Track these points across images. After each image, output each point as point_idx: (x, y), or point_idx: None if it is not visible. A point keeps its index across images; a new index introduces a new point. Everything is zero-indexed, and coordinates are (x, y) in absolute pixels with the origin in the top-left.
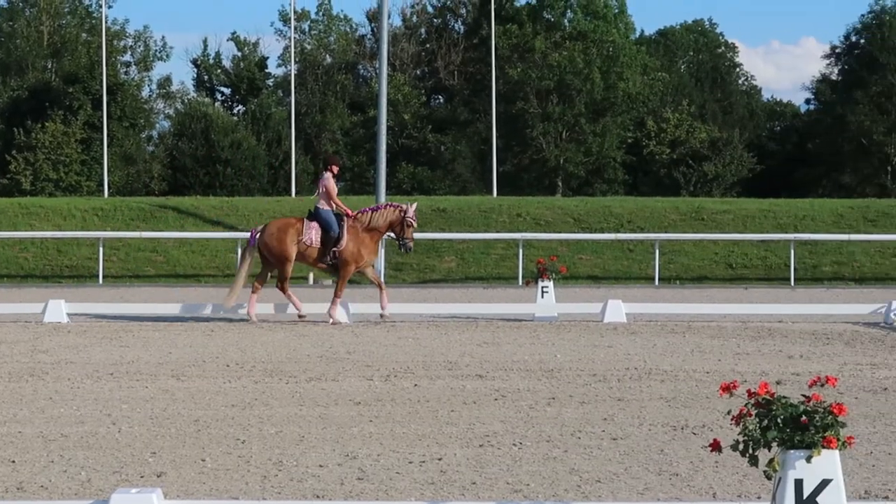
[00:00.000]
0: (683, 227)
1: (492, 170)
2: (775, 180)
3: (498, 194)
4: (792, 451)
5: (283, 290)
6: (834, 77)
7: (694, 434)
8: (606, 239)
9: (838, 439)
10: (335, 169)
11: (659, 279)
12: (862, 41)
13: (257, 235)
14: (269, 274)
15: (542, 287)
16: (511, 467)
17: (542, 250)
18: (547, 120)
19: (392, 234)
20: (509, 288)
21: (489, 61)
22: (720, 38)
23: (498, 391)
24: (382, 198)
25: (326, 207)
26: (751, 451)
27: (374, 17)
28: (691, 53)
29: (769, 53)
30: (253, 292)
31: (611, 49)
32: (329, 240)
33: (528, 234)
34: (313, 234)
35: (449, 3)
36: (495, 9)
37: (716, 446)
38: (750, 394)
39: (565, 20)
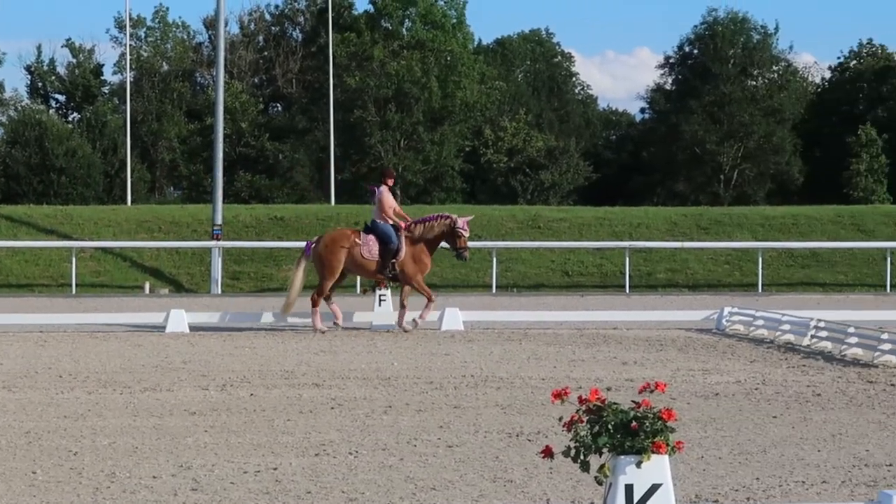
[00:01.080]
0: (520, 234)
1: (330, 178)
2: (611, 189)
3: (336, 202)
4: (622, 457)
5: (324, 298)
6: (668, 87)
7: (529, 441)
8: (444, 247)
9: (667, 444)
10: (390, 182)
11: (496, 287)
12: (695, 51)
13: (312, 246)
14: (338, 284)
15: (380, 295)
16: (347, 476)
17: None
18: (385, 128)
19: (447, 245)
20: (347, 296)
21: (327, 69)
22: (557, 47)
23: (334, 400)
24: (219, 205)
25: (384, 220)
26: (582, 456)
27: (211, 24)
28: (528, 63)
29: (605, 63)
30: (314, 305)
31: (449, 58)
32: (388, 252)
33: None
34: (371, 246)
35: (287, 10)
36: (333, 17)
37: (548, 453)
38: (581, 400)
39: (403, 29)
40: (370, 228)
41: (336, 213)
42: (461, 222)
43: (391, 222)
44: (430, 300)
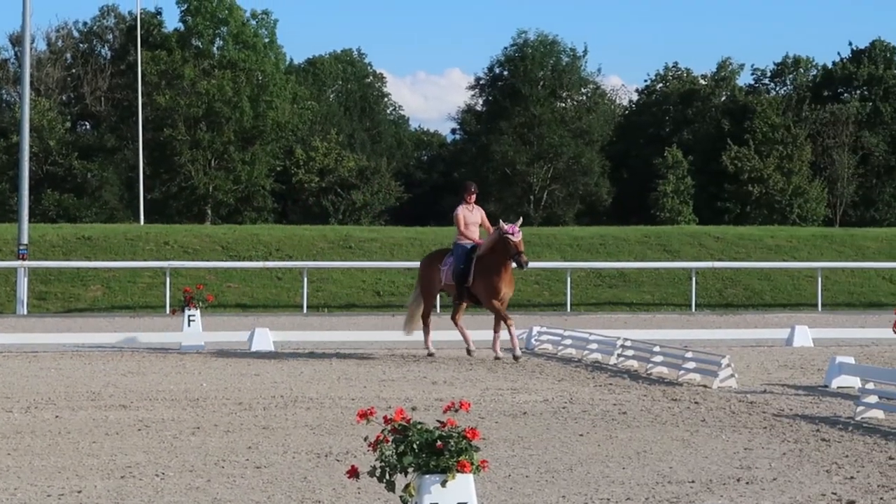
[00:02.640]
0: (332, 254)
1: (139, 197)
2: (422, 208)
3: (146, 222)
4: (427, 476)
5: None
6: (479, 108)
7: (338, 461)
8: (255, 267)
9: (472, 463)
10: (468, 197)
11: (307, 307)
12: (505, 73)
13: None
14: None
15: (189, 316)
16: (153, 498)
17: (190, 278)
18: (196, 147)
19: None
20: (156, 317)
21: (136, 88)
22: (368, 67)
23: (142, 421)
24: (25, 224)
25: (461, 241)
26: (388, 476)
27: (17, 40)
28: (340, 83)
29: (416, 84)
30: (423, 326)
31: (260, 78)
32: (460, 275)
33: (176, 262)
34: (448, 269)
35: (95, 28)
36: (142, 35)
37: (353, 473)
38: (386, 420)
39: (214, 48)
40: (452, 250)
41: (145, 233)
42: (508, 227)
43: (469, 243)
44: (506, 322)
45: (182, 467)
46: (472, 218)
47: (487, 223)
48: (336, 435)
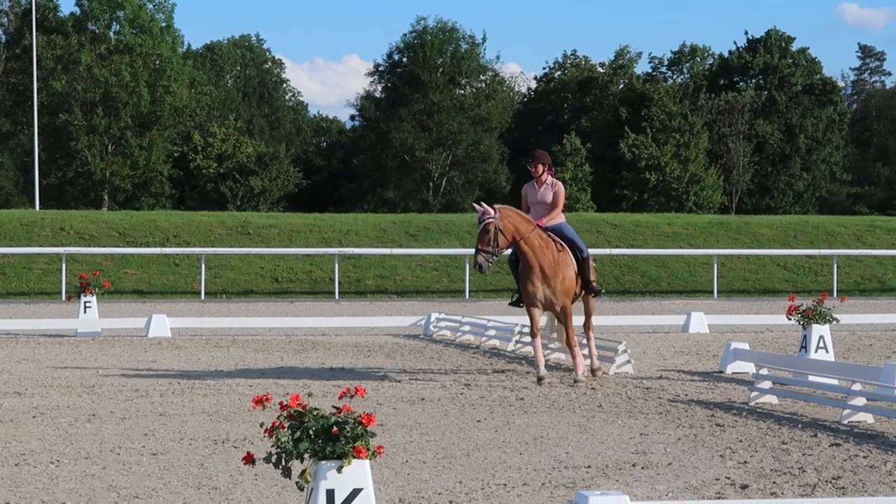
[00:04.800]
0: (230, 241)
1: (34, 182)
2: (321, 195)
3: (41, 207)
4: (323, 462)
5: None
6: (378, 94)
7: (235, 448)
8: (152, 253)
9: (368, 449)
10: (533, 170)
11: (205, 293)
12: (404, 60)
13: None
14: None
15: (85, 302)
16: (48, 485)
17: (87, 265)
18: (92, 133)
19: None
20: (52, 303)
21: (31, 72)
22: (267, 53)
23: (37, 408)
24: None
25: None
26: (284, 462)
27: None
28: (238, 68)
29: (314, 70)
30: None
31: (157, 62)
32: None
33: (72, 248)
34: None
35: None
36: (38, 19)
37: (249, 459)
38: (282, 406)
39: (111, 33)
40: None
41: (41, 218)
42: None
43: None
44: (566, 340)
45: (77, 454)
46: (535, 196)
47: (559, 199)
48: (233, 421)
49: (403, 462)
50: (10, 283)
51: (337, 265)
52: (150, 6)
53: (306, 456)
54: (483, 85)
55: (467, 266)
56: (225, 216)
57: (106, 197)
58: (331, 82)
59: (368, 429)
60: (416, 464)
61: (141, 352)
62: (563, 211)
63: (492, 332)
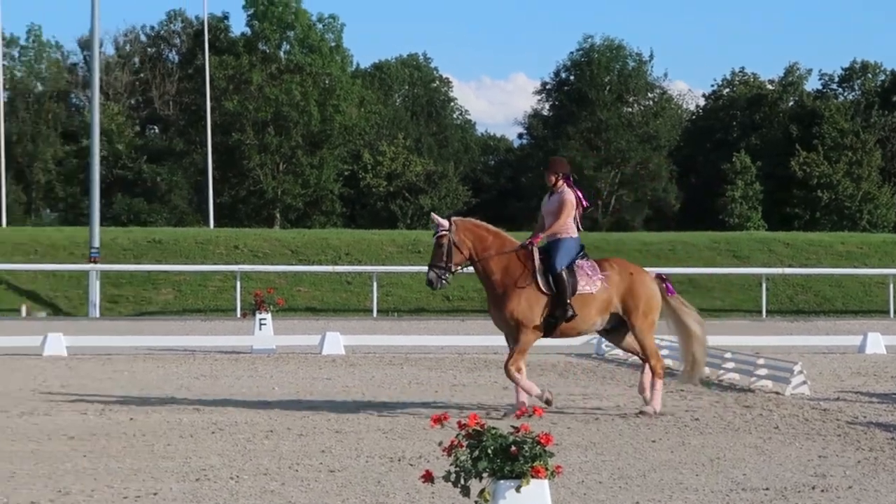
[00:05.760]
0: (401, 259)
1: (209, 201)
2: (490, 213)
3: (215, 226)
4: (502, 482)
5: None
6: (545, 112)
7: (411, 465)
8: (324, 271)
9: (547, 469)
10: (549, 178)
11: (377, 311)
12: (572, 78)
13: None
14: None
15: (260, 319)
16: (228, 501)
17: (260, 282)
18: (264, 151)
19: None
20: (227, 320)
21: (205, 92)
22: (434, 72)
23: (215, 424)
24: (97, 228)
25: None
26: (462, 481)
27: (86, 44)
28: (407, 87)
29: (481, 88)
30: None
31: (327, 82)
32: None
33: (246, 265)
34: None
35: (162, 32)
36: (210, 39)
37: (428, 477)
38: (461, 425)
39: (281, 53)
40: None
41: (215, 237)
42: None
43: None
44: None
45: (256, 470)
46: (547, 207)
47: (563, 211)
48: (408, 439)
49: (579, 482)
50: (186, 300)
51: None
52: (320, 26)
53: (485, 475)
54: (651, 102)
55: None
56: (395, 234)
57: (278, 215)
58: (498, 101)
59: (546, 448)
60: (592, 484)
61: (315, 369)
62: (733, 230)
63: (665, 352)
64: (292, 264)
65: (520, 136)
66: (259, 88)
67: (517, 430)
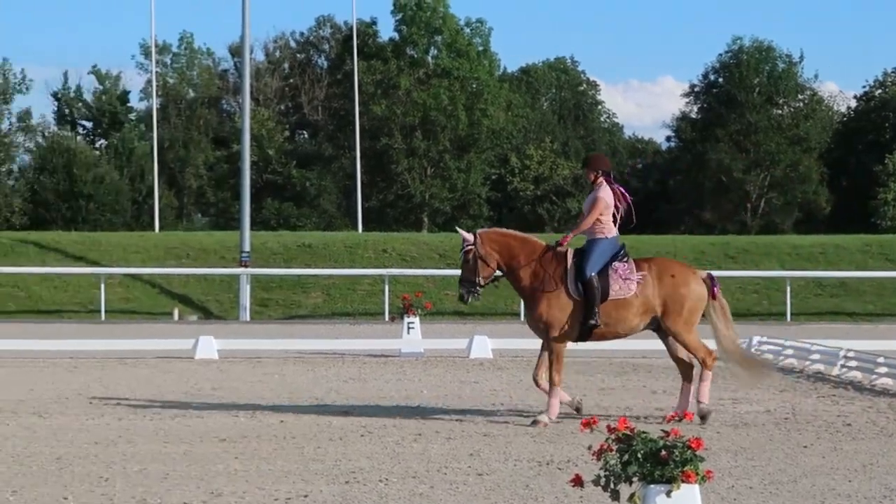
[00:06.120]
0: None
1: (357, 205)
2: (638, 217)
3: (363, 230)
4: (652, 486)
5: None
6: (694, 115)
7: (559, 469)
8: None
9: (697, 473)
10: (588, 175)
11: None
12: (720, 80)
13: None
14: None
15: (408, 323)
16: (377, 503)
17: (408, 286)
18: (412, 156)
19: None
20: (375, 323)
21: (353, 97)
22: (582, 75)
23: (364, 427)
24: (247, 232)
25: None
26: (612, 485)
27: (236, 51)
28: (554, 91)
29: (629, 91)
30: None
31: (475, 86)
32: None
33: (394, 269)
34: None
35: (312, 38)
36: (358, 45)
37: (578, 481)
38: (610, 429)
39: (429, 57)
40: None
41: (364, 241)
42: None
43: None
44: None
45: (405, 473)
46: (585, 205)
47: (592, 210)
48: (557, 443)
49: (729, 487)
50: (335, 303)
51: None
52: (468, 30)
53: (635, 479)
54: (801, 104)
55: (788, 289)
56: (543, 238)
57: (426, 219)
58: (646, 103)
59: (697, 453)
60: (742, 489)
61: (463, 372)
62: (886, 233)
63: (816, 357)
64: (440, 268)
65: (668, 138)
66: (407, 93)
67: (667, 434)
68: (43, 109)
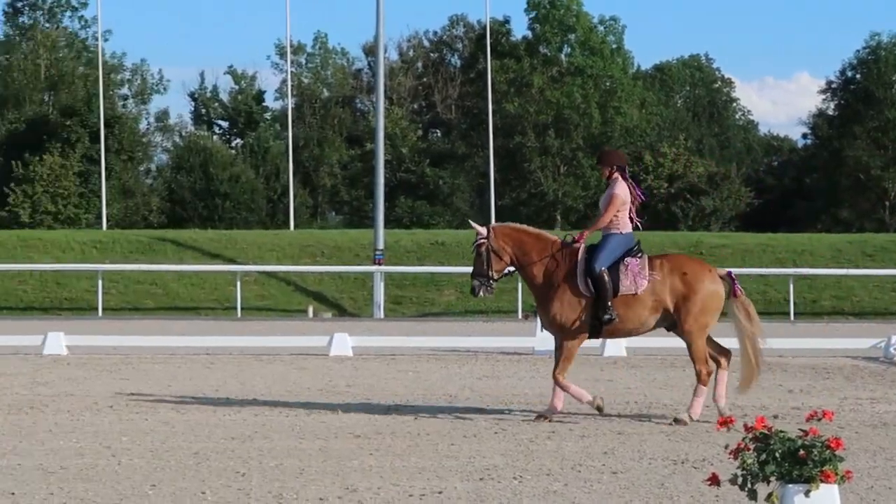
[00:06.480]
0: None
1: (490, 203)
2: (773, 215)
3: None
4: (790, 486)
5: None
6: (830, 112)
7: (694, 468)
8: None
9: (836, 473)
10: (603, 171)
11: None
12: (858, 76)
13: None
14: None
15: None
16: (511, 501)
17: None
18: (545, 154)
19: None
20: (509, 321)
21: (486, 95)
22: (716, 73)
23: (498, 424)
24: (381, 230)
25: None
26: (749, 485)
27: (370, 50)
28: (688, 88)
29: (764, 88)
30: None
31: (608, 84)
32: None
33: None
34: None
35: (445, 37)
36: (492, 43)
37: (714, 480)
38: (747, 428)
39: (562, 55)
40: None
41: None
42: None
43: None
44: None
45: (539, 471)
46: (601, 201)
47: (609, 207)
48: (692, 442)
49: (868, 488)
50: (468, 301)
51: (792, 285)
52: (601, 28)
53: (772, 479)
54: None
55: None
56: (677, 236)
57: (559, 217)
58: (781, 101)
59: (836, 453)
60: (881, 490)
61: (597, 370)
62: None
63: None
64: None
65: (804, 136)
66: (540, 91)
67: (805, 433)
68: (180, 109)
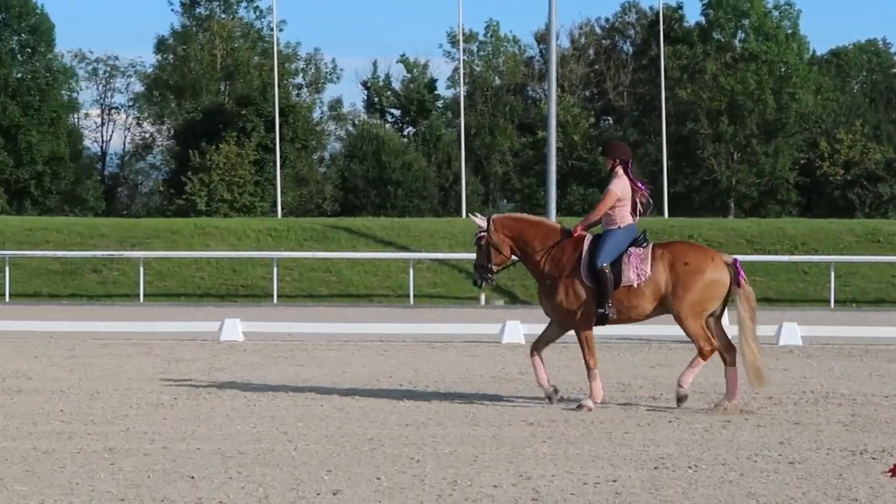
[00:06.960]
0: (859, 249)
1: (663, 191)
2: None
3: (669, 215)
4: None
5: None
6: None
7: (873, 459)
8: (780, 261)
9: None
10: (607, 163)
11: (834, 302)
12: None
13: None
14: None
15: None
16: (686, 490)
17: None
18: (718, 141)
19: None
20: None
21: (658, 82)
22: (894, 58)
23: (672, 413)
24: (553, 218)
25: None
26: None
27: (542, 38)
28: (864, 73)
29: None
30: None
31: (783, 69)
32: None
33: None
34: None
35: (617, 24)
36: (664, 30)
37: (895, 472)
38: None
39: (736, 41)
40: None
41: (670, 227)
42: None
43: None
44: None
45: (714, 460)
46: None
47: (600, 204)
48: (871, 433)
49: None
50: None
51: None
52: (776, 13)
53: None
54: None
55: None
56: (854, 224)
57: (732, 204)
58: None
59: None
60: None
61: (772, 359)
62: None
63: None
64: (747, 254)
65: None
66: (713, 77)
67: None
68: (353, 98)
